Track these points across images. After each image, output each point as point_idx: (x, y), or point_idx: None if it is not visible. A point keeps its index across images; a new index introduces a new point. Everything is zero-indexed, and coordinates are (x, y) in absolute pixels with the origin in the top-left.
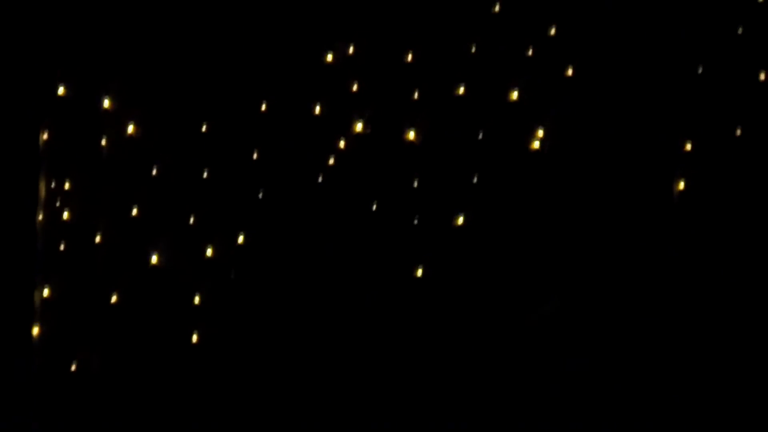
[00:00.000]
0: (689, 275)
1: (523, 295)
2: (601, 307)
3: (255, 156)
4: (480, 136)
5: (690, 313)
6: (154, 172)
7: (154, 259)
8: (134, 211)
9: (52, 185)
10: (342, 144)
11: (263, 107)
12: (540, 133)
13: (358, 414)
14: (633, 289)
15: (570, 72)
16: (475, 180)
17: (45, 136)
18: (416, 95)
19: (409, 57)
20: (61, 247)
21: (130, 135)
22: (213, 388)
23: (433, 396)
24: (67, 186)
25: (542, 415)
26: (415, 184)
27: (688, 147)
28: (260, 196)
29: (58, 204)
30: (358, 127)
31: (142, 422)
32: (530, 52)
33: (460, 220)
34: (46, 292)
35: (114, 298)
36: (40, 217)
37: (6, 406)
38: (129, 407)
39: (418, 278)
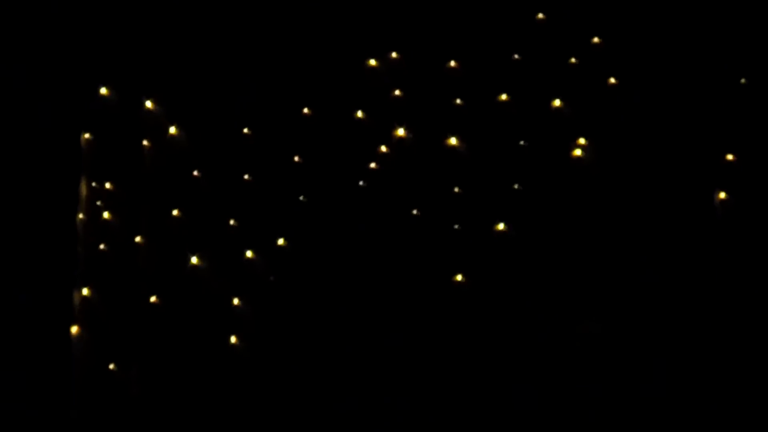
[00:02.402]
0: (733, 290)
1: (561, 302)
2: (642, 322)
3: (296, 159)
4: (522, 143)
5: (735, 331)
6: (195, 173)
7: (194, 260)
8: (174, 212)
9: (93, 186)
10: (383, 149)
11: (305, 111)
12: (582, 141)
13: (398, 416)
14: (673, 303)
15: (613, 81)
16: (516, 186)
17: (86, 138)
18: (459, 101)
19: (452, 63)
20: (102, 248)
21: (172, 137)
22: (251, 388)
23: (469, 398)
24: (108, 187)
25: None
26: (456, 190)
27: (729, 158)
28: (301, 199)
29: (98, 204)
30: (400, 132)
31: (178, 421)
32: (573, 60)
33: (501, 227)
34: (85, 292)
35: (153, 299)
36: (81, 217)
37: (45, 404)
38: (166, 406)
39: (458, 283)
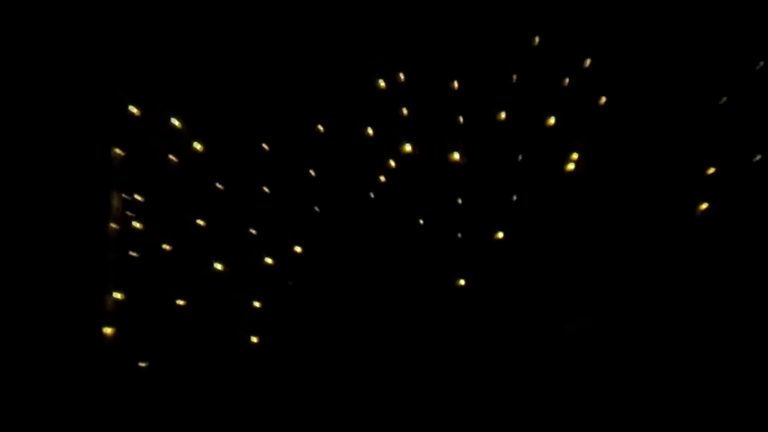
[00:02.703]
0: (717, 291)
1: (559, 307)
2: (634, 324)
3: (312, 173)
4: (519, 158)
5: (723, 331)
6: (220, 186)
7: (218, 266)
8: (201, 223)
9: (124, 197)
10: (392, 163)
11: (320, 129)
12: (575, 156)
13: (408, 419)
14: (665, 305)
15: (603, 101)
16: (514, 198)
17: (116, 152)
18: (461, 120)
19: (455, 85)
20: (131, 254)
21: (196, 152)
22: (273, 388)
23: (469, 405)
24: (137, 198)
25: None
26: (459, 201)
27: (711, 171)
28: (316, 209)
29: (128, 214)
30: (407, 148)
31: (205, 422)
32: (566, 82)
33: (500, 235)
34: (119, 296)
35: (181, 302)
36: (113, 226)
37: (74, 406)
38: (192, 407)
39: (460, 288)
